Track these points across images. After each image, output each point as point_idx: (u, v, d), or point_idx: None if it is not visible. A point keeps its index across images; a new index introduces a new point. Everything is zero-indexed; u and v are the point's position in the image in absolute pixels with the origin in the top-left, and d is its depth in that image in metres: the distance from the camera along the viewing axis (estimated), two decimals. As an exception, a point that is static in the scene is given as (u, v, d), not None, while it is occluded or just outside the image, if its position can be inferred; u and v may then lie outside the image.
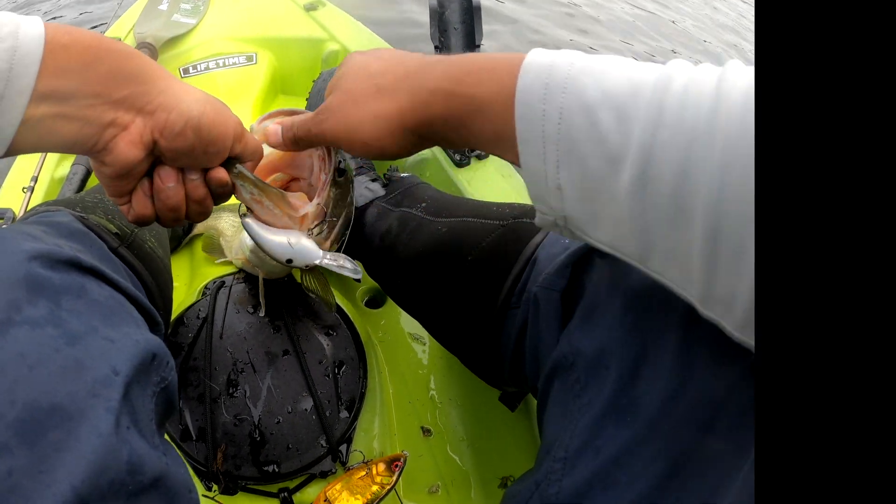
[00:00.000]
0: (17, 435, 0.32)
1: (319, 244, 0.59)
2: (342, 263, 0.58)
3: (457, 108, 0.43)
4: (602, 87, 0.35)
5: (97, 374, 0.37)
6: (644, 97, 0.34)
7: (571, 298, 0.50)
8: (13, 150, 0.41)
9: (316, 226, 0.58)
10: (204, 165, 0.49)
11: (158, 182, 0.48)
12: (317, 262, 0.58)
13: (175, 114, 0.45)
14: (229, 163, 0.51)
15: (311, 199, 0.58)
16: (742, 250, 0.31)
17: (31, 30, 0.39)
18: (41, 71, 0.39)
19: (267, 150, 0.59)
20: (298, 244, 0.57)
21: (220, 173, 0.50)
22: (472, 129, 0.42)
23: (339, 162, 0.58)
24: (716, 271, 0.32)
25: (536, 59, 0.39)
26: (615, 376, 0.42)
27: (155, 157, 0.48)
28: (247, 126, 0.55)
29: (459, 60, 0.44)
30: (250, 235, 0.56)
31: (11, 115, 0.39)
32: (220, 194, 0.52)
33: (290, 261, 0.57)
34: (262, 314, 0.77)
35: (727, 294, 0.33)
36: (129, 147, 0.44)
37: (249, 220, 0.56)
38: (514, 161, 0.40)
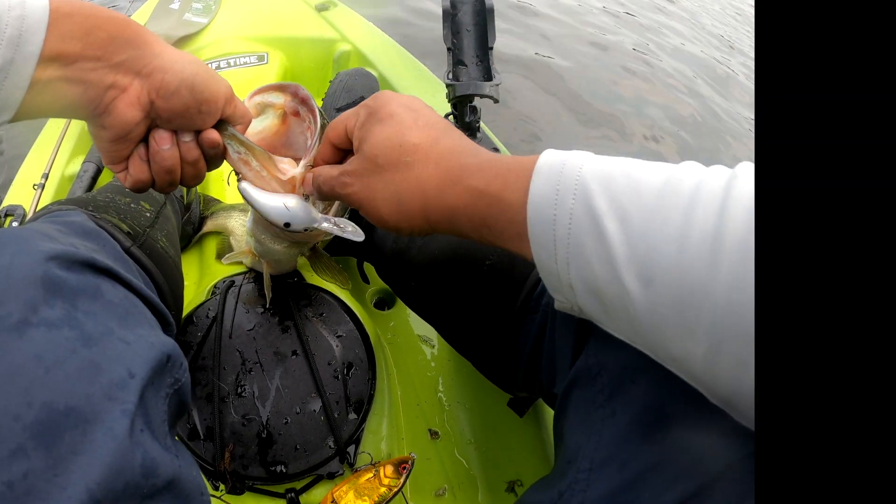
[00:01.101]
0: (34, 437, 0.31)
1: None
2: (343, 227, 0.57)
3: (483, 207, 0.44)
4: (609, 195, 0.37)
5: (113, 376, 0.37)
6: (648, 208, 0.35)
7: None
8: (21, 115, 0.44)
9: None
10: (197, 126, 0.52)
11: (154, 145, 0.50)
12: (315, 225, 0.57)
13: (170, 74, 0.47)
14: (220, 125, 0.53)
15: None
16: (744, 363, 0.32)
17: (37, 0, 0.42)
18: (47, 37, 0.42)
19: (258, 126, 0.60)
20: (295, 207, 0.56)
21: (213, 133, 0.52)
22: (493, 229, 0.44)
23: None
24: (716, 380, 0.34)
25: (548, 160, 0.41)
26: (643, 391, 0.42)
27: (151, 121, 0.50)
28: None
29: (491, 161, 0.45)
30: (245, 198, 0.56)
31: (21, 78, 0.42)
32: (212, 156, 0.54)
33: (287, 224, 0.56)
34: (267, 305, 0.77)
35: (728, 396, 0.35)
36: (127, 108, 0.47)
37: (245, 184, 0.56)
38: (529, 257, 0.42)
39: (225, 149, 0.54)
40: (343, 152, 0.54)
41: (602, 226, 0.36)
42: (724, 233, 0.32)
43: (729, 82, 2.71)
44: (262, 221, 0.65)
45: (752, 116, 2.41)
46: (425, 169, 0.46)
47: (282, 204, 0.56)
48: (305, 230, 0.57)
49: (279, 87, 0.60)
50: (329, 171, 0.52)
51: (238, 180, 0.57)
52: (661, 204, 0.35)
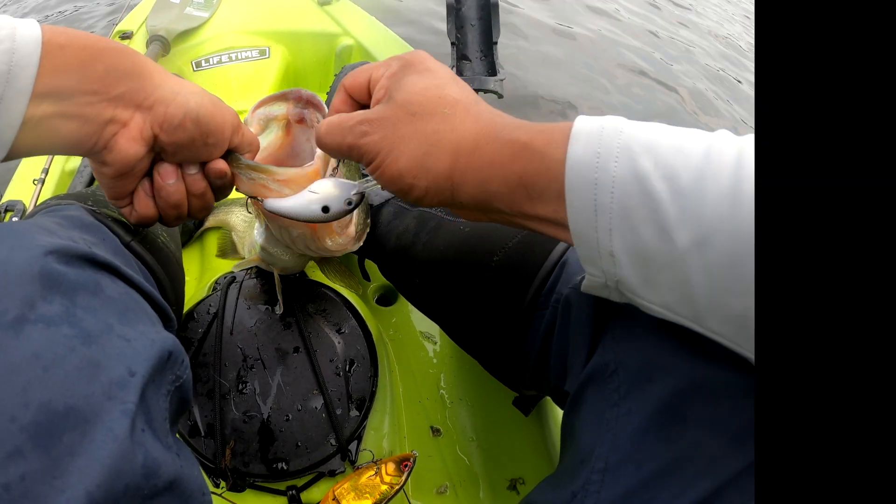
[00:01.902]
0: (31, 438, 0.31)
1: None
2: (374, 186, 0.51)
3: (522, 163, 0.40)
4: (654, 156, 0.35)
5: (113, 374, 0.36)
6: (695, 167, 0.34)
7: (606, 302, 0.49)
8: (14, 153, 0.42)
9: (335, 169, 0.55)
10: (204, 158, 0.50)
11: (158, 179, 0.48)
12: (354, 193, 0.51)
13: (173, 106, 0.45)
14: (227, 155, 0.51)
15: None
16: None
17: (27, 31, 0.40)
18: (39, 71, 0.40)
19: (263, 142, 0.58)
20: (324, 186, 0.52)
21: (220, 164, 0.50)
22: (532, 188, 0.40)
23: None
24: None
25: (585, 126, 0.38)
26: (660, 390, 0.41)
27: (155, 155, 0.48)
28: None
29: (531, 123, 0.42)
30: (273, 212, 0.52)
31: (12, 116, 0.40)
32: (219, 186, 0.52)
33: (326, 209, 0.51)
34: (279, 311, 0.76)
35: None
36: (129, 144, 0.45)
37: (269, 201, 0.52)
38: (560, 227, 0.40)
39: (233, 178, 0.52)
40: (358, 107, 0.50)
41: (650, 186, 0.35)
42: None
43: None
44: (273, 236, 0.63)
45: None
46: (464, 122, 0.43)
47: (307, 194, 0.52)
48: (349, 204, 0.51)
49: (280, 97, 0.59)
50: (342, 119, 0.46)
51: (248, 208, 0.55)
52: (707, 163, 0.34)
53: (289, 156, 0.60)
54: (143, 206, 0.49)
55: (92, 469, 0.32)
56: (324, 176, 0.54)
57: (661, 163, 0.35)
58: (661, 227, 0.35)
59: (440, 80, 0.45)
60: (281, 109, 0.59)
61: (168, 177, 0.48)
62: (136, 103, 0.45)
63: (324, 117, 0.55)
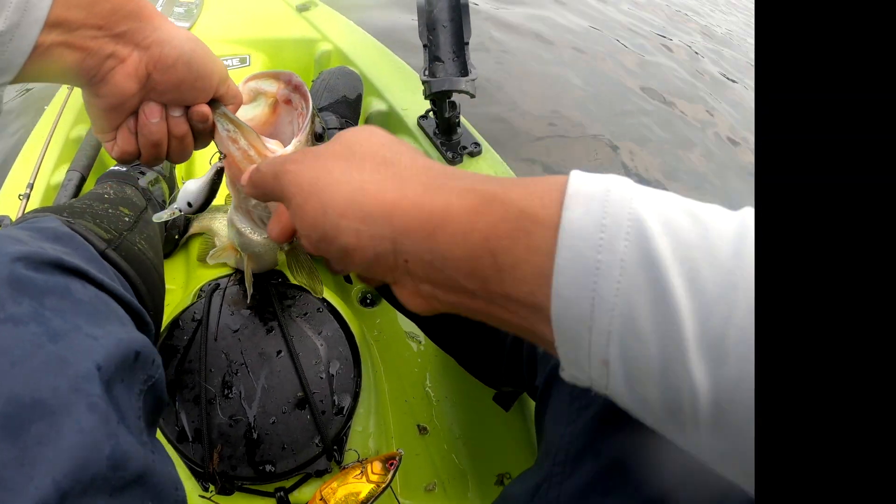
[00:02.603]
0: (1, 428, 0.32)
1: None
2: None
3: (490, 219, 0.30)
4: (675, 240, 0.27)
5: (79, 369, 0.37)
6: (724, 262, 0.26)
7: None
8: (21, 77, 0.45)
9: None
10: (189, 102, 0.52)
11: (143, 117, 0.51)
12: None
13: (168, 48, 0.49)
14: (211, 103, 0.54)
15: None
16: None
17: None
18: (53, 4, 0.43)
19: (249, 113, 0.61)
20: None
21: (203, 107, 0.53)
22: (501, 258, 0.30)
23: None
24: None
25: (585, 185, 0.29)
26: None
27: (144, 94, 0.51)
28: None
29: (502, 178, 0.33)
30: (229, 177, 0.57)
31: (25, 43, 0.43)
32: (200, 131, 0.55)
33: None
34: (248, 301, 0.77)
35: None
36: (124, 79, 0.48)
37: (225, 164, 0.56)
38: (540, 327, 0.30)
39: (213, 126, 0.55)
40: None
41: (667, 285, 0.26)
42: None
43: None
44: (242, 207, 0.65)
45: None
46: (410, 167, 0.35)
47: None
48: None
49: (274, 75, 0.61)
50: (274, 158, 0.44)
51: (220, 160, 0.58)
52: (738, 262, 0.25)
53: (270, 134, 0.62)
54: (126, 141, 0.52)
55: (58, 458, 0.33)
56: None
57: (683, 253, 0.26)
58: (675, 343, 0.26)
59: (388, 139, 0.39)
60: (272, 87, 0.61)
61: (153, 115, 0.51)
62: (136, 42, 0.48)
63: (308, 108, 0.58)
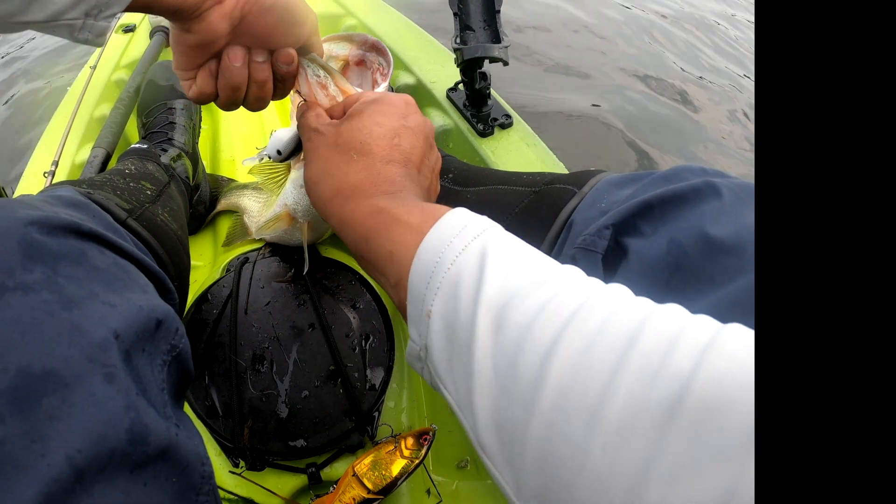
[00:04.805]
0: (10, 403, 0.30)
1: None
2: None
3: (373, 221, 0.45)
4: (503, 251, 0.38)
5: (94, 338, 0.34)
6: (529, 312, 0.35)
7: (612, 261, 0.48)
8: (132, 6, 0.47)
9: None
10: (279, 46, 0.53)
11: (226, 60, 0.52)
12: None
13: None
14: (300, 50, 0.55)
15: None
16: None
17: None
18: None
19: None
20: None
21: (290, 51, 0.53)
22: (379, 238, 0.44)
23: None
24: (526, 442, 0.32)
25: (456, 217, 0.42)
26: None
27: (232, 38, 0.51)
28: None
29: (424, 205, 0.47)
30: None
31: None
32: (283, 75, 0.55)
33: None
34: (305, 271, 0.76)
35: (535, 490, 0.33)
36: (219, 19, 0.49)
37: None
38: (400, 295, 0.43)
39: (296, 73, 0.55)
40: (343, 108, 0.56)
41: (485, 268, 0.37)
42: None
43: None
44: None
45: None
46: (357, 171, 0.49)
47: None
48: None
49: (345, 37, 0.62)
50: (310, 117, 0.55)
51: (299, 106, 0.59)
52: (540, 313, 0.34)
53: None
54: (206, 83, 0.53)
55: (72, 433, 0.30)
56: None
57: (503, 259, 0.37)
58: (475, 301, 0.36)
59: (378, 128, 0.51)
60: (343, 50, 0.62)
61: (236, 59, 0.51)
62: None
63: (387, 63, 0.60)
